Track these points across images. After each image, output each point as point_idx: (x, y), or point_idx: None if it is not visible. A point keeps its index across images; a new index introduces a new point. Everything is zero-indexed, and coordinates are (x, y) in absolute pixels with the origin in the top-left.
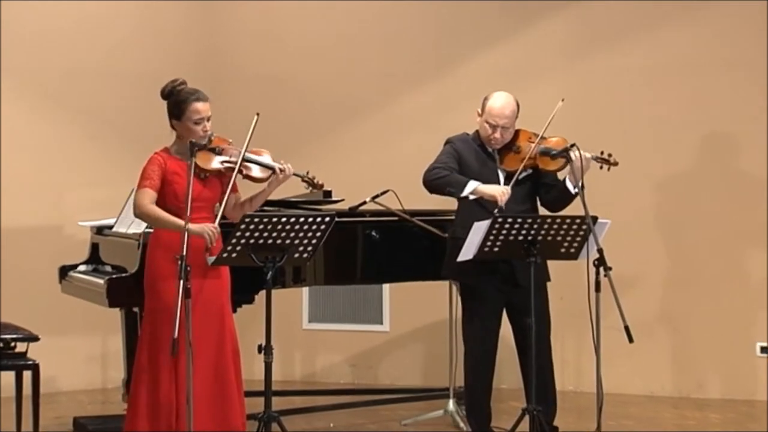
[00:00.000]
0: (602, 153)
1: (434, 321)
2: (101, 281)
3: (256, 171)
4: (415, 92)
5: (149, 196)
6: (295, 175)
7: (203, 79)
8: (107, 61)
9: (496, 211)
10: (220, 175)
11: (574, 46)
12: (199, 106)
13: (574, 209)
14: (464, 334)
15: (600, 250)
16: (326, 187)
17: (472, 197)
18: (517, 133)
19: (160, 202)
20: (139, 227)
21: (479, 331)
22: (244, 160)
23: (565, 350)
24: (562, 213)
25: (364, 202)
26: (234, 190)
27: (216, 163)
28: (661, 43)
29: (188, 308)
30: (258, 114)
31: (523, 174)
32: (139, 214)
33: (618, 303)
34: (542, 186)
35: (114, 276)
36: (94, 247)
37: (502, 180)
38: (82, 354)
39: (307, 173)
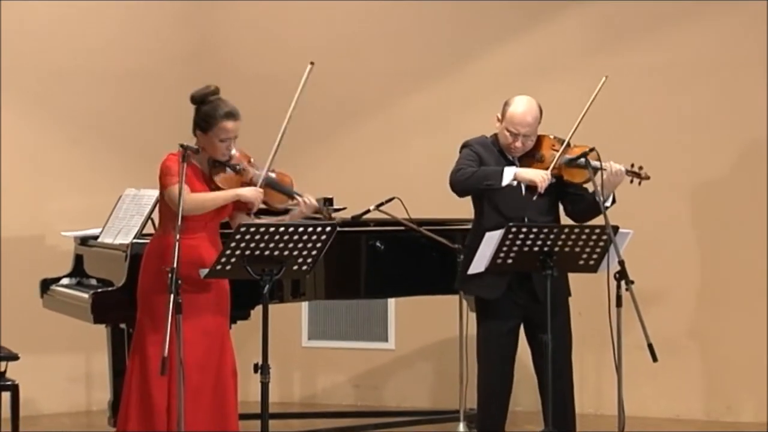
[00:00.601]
0: (632, 166)
1: (443, 338)
2: (86, 295)
3: (274, 198)
4: (422, 92)
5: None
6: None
7: (195, 79)
8: (91, 59)
9: (535, 198)
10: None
11: (594, 43)
12: (230, 125)
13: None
14: (478, 352)
15: (621, 262)
16: (327, 195)
17: (514, 183)
18: (539, 139)
19: (163, 205)
20: (127, 238)
21: (495, 350)
22: (267, 184)
23: (584, 370)
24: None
25: (368, 211)
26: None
27: (236, 185)
28: (689, 39)
29: (179, 324)
30: (313, 63)
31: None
32: (189, 209)
33: (641, 319)
34: (567, 196)
35: (99, 290)
36: (78, 259)
37: (523, 188)
38: (65, 374)
39: (324, 203)
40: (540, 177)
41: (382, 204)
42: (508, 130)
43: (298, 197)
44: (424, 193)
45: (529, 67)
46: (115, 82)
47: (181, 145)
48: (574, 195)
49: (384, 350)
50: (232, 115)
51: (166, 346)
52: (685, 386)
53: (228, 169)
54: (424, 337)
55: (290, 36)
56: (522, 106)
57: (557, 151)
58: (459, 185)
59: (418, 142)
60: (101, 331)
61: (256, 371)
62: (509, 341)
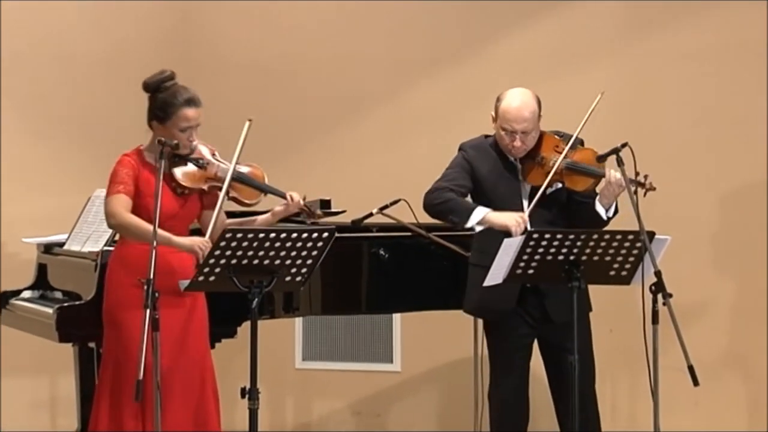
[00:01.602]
0: (637, 175)
1: (455, 359)
2: (50, 310)
3: (245, 193)
4: (431, 82)
5: (124, 202)
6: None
7: (175, 67)
8: (54, 42)
9: (509, 240)
10: (203, 193)
11: (621, 25)
12: (190, 112)
13: (626, 224)
14: (490, 373)
15: (658, 273)
16: (325, 196)
17: (479, 228)
18: (541, 138)
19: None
20: (97, 245)
21: (505, 374)
22: (234, 178)
23: (616, 394)
24: (611, 228)
25: (371, 214)
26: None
27: (199, 181)
28: (732, 21)
29: (156, 343)
30: (250, 120)
31: (551, 189)
32: (115, 224)
33: (680, 337)
34: (573, 202)
35: (65, 304)
36: (41, 269)
37: (524, 196)
38: (27, 398)
39: (304, 198)
40: (514, 221)
41: (386, 206)
42: (503, 129)
43: (287, 197)
44: None
45: (550, 53)
46: (82, 68)
47: (159, 140)
48: (581, 202)
49: (388, 372)
50: (193, 101)
51: (141, 369)
52: (729, 412)
53: (190, 164)
54: (434, 357)
55: (281, 18)
56: (516, 100)
57: (560, 152)
58: (428, 207)
59: (426, 137)
60: (68, 350)
61: (243, 396)
62: (521, 362)
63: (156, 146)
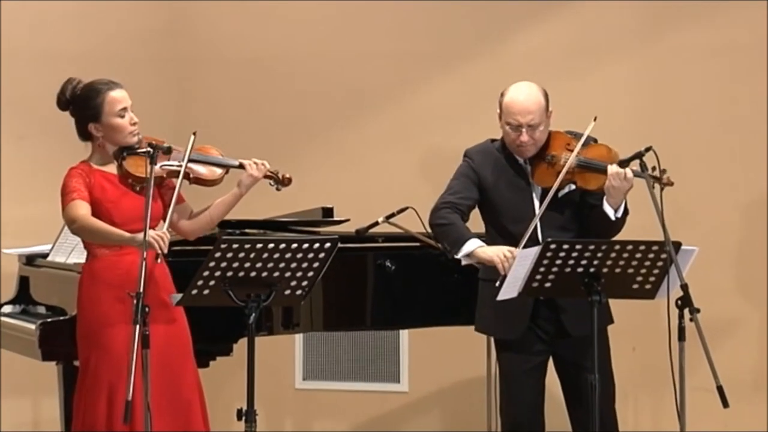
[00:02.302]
0: (653, 169)
1: (467, 378)
2: (32, 326)
3: (205, 171)
4: (440, 80)
5: (82, 206)
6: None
7: (166, 62)
8: (38, 39)
9: (497, 283)
10: (161, 183)
11: (643, 21)
12: (116, 94)
13: (650, 233)
14: (501, 395)
15: (684, 287)
16: (327, 203)
17: (465, 261)
18: (551, 136)
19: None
20: (82, 256)
21: (519, 395)
22: (191, 159)
23: (639, 416)
24: (635, 238)
25: (376, 223)
26: (180, 199)
27: (155, 168)
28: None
29: (146, 361)
30: (195, 134)
31: (564, 191)
32: (78, 228)
33: (708, 356)
34: (586, 205)
35: (49, 320)
36: (23, 282)
37: (536, 201)
38: (8, 420)
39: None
40: (498, 258)
41: (392, 215)
42: (508, 123)
43: (246, 164)
44: None
45: (566, 50)
46: (67, 67)
47: (149, 144)
48: (594, 205)
49: (395, 393)
50: (112, 85)
51: (131, 388)
52: None
53: (141, 154)
54: (444, 377)
55: (280, 11)
56: (520, 92)
57: (571, 150)
58: (430, 226)
59: (436, 139)
60: (51, 369)
61: (240, 418)
62: (535, 381)
63: (99, 151)
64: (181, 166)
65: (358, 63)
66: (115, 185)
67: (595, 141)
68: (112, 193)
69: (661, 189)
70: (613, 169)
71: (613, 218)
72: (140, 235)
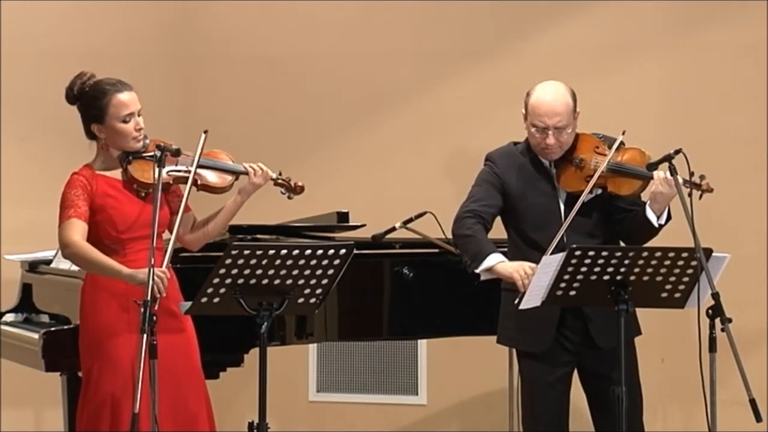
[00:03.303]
0: (692, 175)
1: (488, 391)
2: (35, 335)
3: (214, 178)
4: (460, 80)
5: (78, 228)
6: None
7: (172, 61)
8: (42, 38)
9: (516, 301)
10: (167, 189)
11: (674, 18)
12: (124, 97)
13: (680, 239)
14: (522, 408)
15: (716, 295)
16: (342, 208)
17: (485, 277)
18: (578, 138)
19: (93, 236)
20: None
21: (543, 409)
22: (199, 165)
23: (668, 430)
24: (663, 245)
25: (393, 229)
26: (187, 208)
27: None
28: None
29: (154, 372)
30: (206, 132)
31: (590, 196)
32: (69, 254)
33: (740, 367)
34: (617, 210)
35: (52, 329)
36: (26, 290)
37: (562, 206)
38: None
39: (280, 173)
40: (519, 273)
41: (410, 220)
42: (534, 126)
43: (247, 167)
44: None
45: (596, 48)
46: (72, 66)
47: (157, 146)
48: (625, 209)
49: (412, 406)
50: (122, 85)
51: (138, 400)
52: None
53: (147, 159)
54: (464, 389)
55: (293, 9)
56: (547, 93)
57: (601, 154)
58: (454, 238)
59: (456, 141)
60: (55, 380)
61: (251, 431)
62: (559, 392)
63: (103, 154)
64: (189, 171)
65: (374, 62)
66: (119, 191)
67: (622, 144)
68: (116, 200)
69: (700, 196)
70: (661, 175)
71: (656, 225)
72: (140, 272)
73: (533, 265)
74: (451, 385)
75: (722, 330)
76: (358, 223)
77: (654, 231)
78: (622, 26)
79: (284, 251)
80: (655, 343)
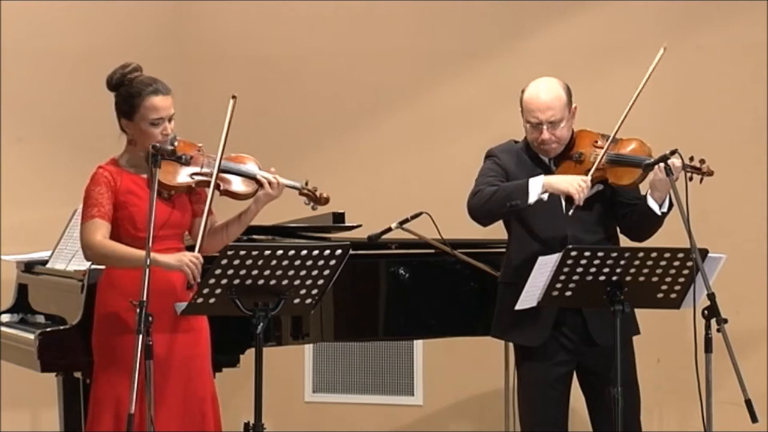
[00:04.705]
0: (692, 159)
1: (484, 391)
2: (31, 336)
3: (237, 184)
4: (459, 80)
5: (101, 228)
6: (289, 186)
7: (168, 61)
8: (38, 37)
9: (570, 212)
10: (190, 192)
11: (680, 13)
12: (157, 101)
13: (675, 239)
14: (520, 409)
15: (711, 296)
16: (338, 209)
17: (545, 197)
18: (577, 134)
19: (113, 234)
20: (83, 263)
21: (541, 409)
22: (222, 170)
23: (664, 430)
24: (659, 245)
25: (390, 229)
26: (210, 212)
27: (184, 176)
28: None
29: (150, 372)
30: (234, 97)
31: (593, 190)
32: (92, 255)
33: (736, 368)
34: (619, 205)
35: (48, 329)
36: (22, 290)
37: (563, 201)
38: None
39: (306, 183)
40: (575, 185)
41: (407, 220)
42: (528, 122)
43: (261, 176)
44: (460, 207)
45: (596, 48)
46: (68, 66)
47: (153, 146)
48: (627, 204)
49: (408, 407)
50: (159, 89)
51: (133, 401)
52: None
53: (172, 162)
54: (460, 390)
55: (289, 8)
56: (540, 88)
57: (601, 148)
58: (478, 211)
59: (453, 141)
60: (50, 380)
61: None
62: (558, 393)
63: (131, 149)
64: (211, 175)
65: (372, 62)
66: (143, 190)
67: (616, 140)
68: (138, 198)
69: (701, 180)
70: (674, 161)
71: (659, 213)
72: (168, 257)
73: (585, 177)
74: (446, 385)
75: (718, 330)
76: (354, 224)
77: (657, 220)
78: (621, 26)
79: (280, 252)
80: (651, 344)
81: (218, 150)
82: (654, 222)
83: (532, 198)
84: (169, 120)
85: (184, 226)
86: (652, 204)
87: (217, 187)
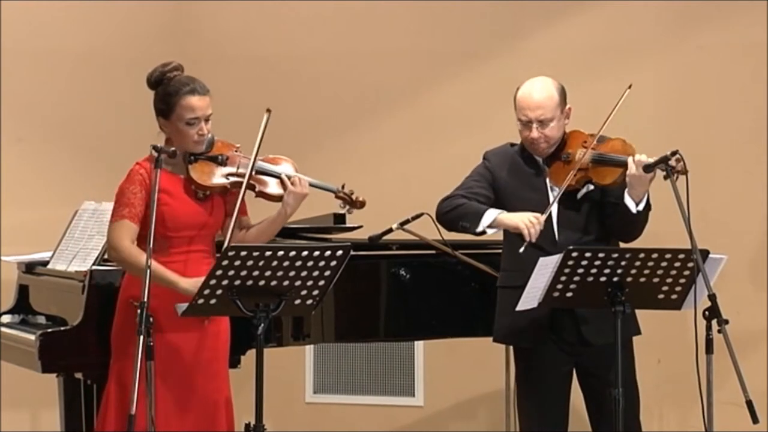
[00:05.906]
0: (667, 159)
1: (485, 392)
2: (32, 337)
3: (273, 186)
4: (458, 80)
5: (129, 230)
6: (322, 188)
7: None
8: (38, 37)
9: (521, 250)
10: (225, 192)
11: (679, 14)
12: (194, 101)
13: (675, 240)
14: (519, 410)
15: (712, 297)
16: (338, 210)
17: (491, 231)
18: (568, 135)
19: (142, 230)
20: (85, 263)
21: (542, 410)
22: (257, 171)
23: (665, 430)
24: (660, 246)
25: (390, 230)
26: (243, 212)
27: (219, 176)
28: None
29: (150, 373)
30: (269, 111)
31: (583, 191)
32: (117, 258)
33: (737, 369)
34: (606, 206)
35: (49, 330)
36: (23, 291)
37: (553, 200)
38: None
39: (343, 187)
40: (525, 222)
41: (407, 221)
42: (519, 120)
43: (285, 179)
44: None
45: (594, 48)
46: (68, 66)
47: (154, 147)
48: (614, 204)
49: (409, 407)
50: (196, 89)
51: (134, 402)
52: None
53: (208, 162)
54: (461, 390)
55: (289, 8)
56: (531, 86)
57: (588, 148)
58: (439, 216)
59: (453, 141)
60: (52, 381)
61: None
62: (557, 394)
63: (184, 152)
64: (244, 176)
65: (372, 62)
66: (178, 189)
67: (602, 140)
68: (172, 197)
69: (676, 179)
70: (636, 158)
71: (634, 211)
72: (187, 283)
73: (538, 214)
74: (447, 386)
75: (719, 331)
76: (355, 225)
77: (635, 218)
78: (621, 27)
79: (281, 252)
80: (651, 345)
81: (253, 152)
82: (632, 221)
83: (481, 227)
84: (206, 120)
85: (217, 226)
86: (629, 202)
87: (252, 188)
